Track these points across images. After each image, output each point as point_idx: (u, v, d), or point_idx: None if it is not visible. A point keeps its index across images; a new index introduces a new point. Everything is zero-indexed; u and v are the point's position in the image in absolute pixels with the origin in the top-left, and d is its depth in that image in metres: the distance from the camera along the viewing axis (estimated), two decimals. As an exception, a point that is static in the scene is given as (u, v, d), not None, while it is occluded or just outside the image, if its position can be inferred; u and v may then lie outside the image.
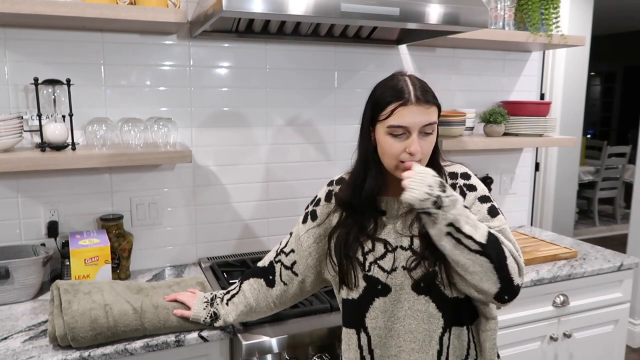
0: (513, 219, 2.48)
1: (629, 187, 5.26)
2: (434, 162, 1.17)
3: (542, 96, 2.66)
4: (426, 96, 1.08)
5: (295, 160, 2.02)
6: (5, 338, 1.30)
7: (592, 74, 7.10)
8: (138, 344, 1.28)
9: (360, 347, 1.16)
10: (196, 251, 1.92)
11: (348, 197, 1.18)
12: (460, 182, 1.17)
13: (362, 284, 1.15)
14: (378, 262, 1.14)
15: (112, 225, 1.70)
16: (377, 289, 1.14)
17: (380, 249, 1.15)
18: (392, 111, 1.07)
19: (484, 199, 1.15)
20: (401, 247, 1.14)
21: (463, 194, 1.15)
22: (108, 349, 1.25)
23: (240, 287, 1.33)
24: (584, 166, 5.70)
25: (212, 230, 1.93)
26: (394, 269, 1.12)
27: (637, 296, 3.11)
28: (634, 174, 3.36)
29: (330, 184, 1.27)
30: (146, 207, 1.83)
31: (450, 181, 1.17)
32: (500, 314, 1.69)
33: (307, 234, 1.25)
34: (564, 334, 1.88)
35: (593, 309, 1.93)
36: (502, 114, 2.13)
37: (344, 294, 1.20)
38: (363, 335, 1.16)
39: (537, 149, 2.75)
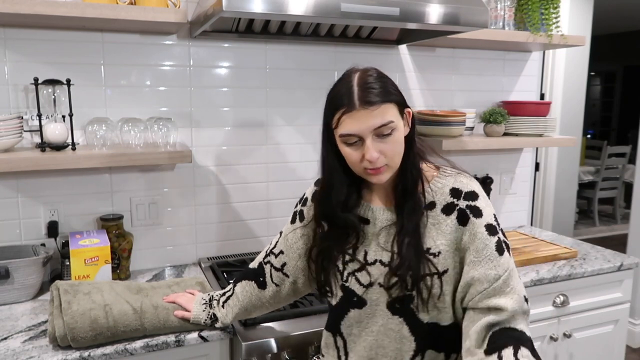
0: (513, 219, 2.48)
1: (629, 187, 5.26)
2: (411, 164, 1.06)
3: (542, 96, 2.66)
4: (374, 97, 0.97)
5: (295, 160, 2.02)
6: (5, 338, 1.30)
7: (592, 74, 7.10)
8: (138, 344, 1.28)
9: (337, 347, 1.15)
10: (196, 251, 1.92)
11: (320, 211, 1.12)
12: (463, 203, 1.03)
13: (339, 293, 1.12)
14: (356, 274, 1.08)
15: (112, 225, 1.70)
16: (352, 300, 1.09)
17: (359, 260, 1.08)
18: (339, 120, 0.99)
19: (492, 229, 1.02)
20: (380, 261, 1.06)
21: (465, 218, 1.02)
22: (108, 349, 1.25)
23: (233, 289, 1.32)
24: (584, 166, 5.70)
25: (212, 230, 1.93)
26: (370, 284, 1.06)
27: (637, 296, 3.11)
28: (634, 174, 3.36)
29: (317, 183, 1.20)
30: (146, 207, 1.83)
31: (449, 199, 1.04)
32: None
33: (295, 234, 1.21)
34: (564, 334, 1.88)
35: (593, 309, 1.93)
36: (502, 114, 2.13)
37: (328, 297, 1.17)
38: (339, 339, 1.14)
39: (537, 149, 2.75)
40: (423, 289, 1.01)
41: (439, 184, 1.06)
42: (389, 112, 0.98)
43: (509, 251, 1.02)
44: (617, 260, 1.95)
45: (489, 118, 2.14)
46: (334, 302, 1.14)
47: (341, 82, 1.02)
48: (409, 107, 1.05)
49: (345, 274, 1.09)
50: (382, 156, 0.99)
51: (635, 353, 3.13)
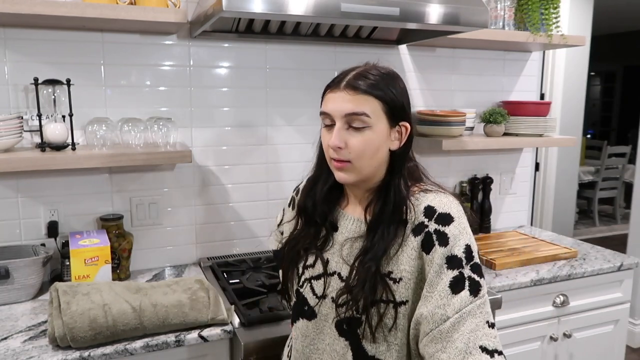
0: (513, 219, 2.48)
1: (629, 187, 5.26)
2: (395, 187, 0.95)
3: (542, 96, 2.66)
4: (359, 84, 0.92)
5: (295, 160, 2.02)
6: (5, 338, 1.30)
7: (592, 74, 7.09)
8: (138, 343, 1.28)
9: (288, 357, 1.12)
10: (196, 251, 1.92)
11: (302, 202, 1.07)
12: (432, 226, 0.90)
13: (293, 297, 1.07)
14: (312, 281, 1.02)
15: (112, 225, 1.70)
16: (303, 309, 1.03)
17: (318, 268, 1.01)
18: (323, 98, 0.97)
19: (454, 262, 0.87)
20: (339, 275, 0.98)
21: (429, 244, 0.89)
22: (108, 349, 1.25)
23: None
24: (584, 166, 5.70)
25: (212, 230, 1.93)
26: (323, 296, 0.99)
27: (637, 296, 3.11)
28: (634, 174, 3.36)
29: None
30: (146, 207, 1.82)
31: (421, 218, 0.91)
32: (500, 314, 1.69)
33: (285, 226, 1.18)
34: (564, 334, 1.88)
35: (593, 309, 1.93)
36: (502, 114, 2.13)
37: None
38: (287, 349, 1.10)
39: (537, 149, 2.75)
40: (374, 315, 0.91)
41: (417, 201, 0.94)
42: (367, 105, 0.92)
43: (474, 292, 0.86)
44: (617, 260, 1.95)
45: (489, 118, 2.14)
46: (289, 307, 1.12)
47: (352, 66, 0.98)
48: (408, 123, 0.97)
49: (303, 278, 1.04)
50: (346, 150, 0.93)
51: (635, 353, 3.13)
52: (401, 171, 0.97)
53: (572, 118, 4.17)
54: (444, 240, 0.89)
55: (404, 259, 0.92)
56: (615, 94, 9.46)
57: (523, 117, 2.17)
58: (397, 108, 0.94)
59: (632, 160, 5.39)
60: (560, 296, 1.85)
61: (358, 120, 0.92)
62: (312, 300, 1.01)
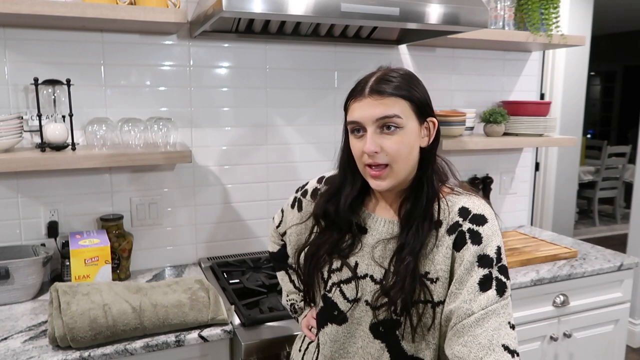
0: (513, 219, 2.48)
1: (629, 187, 5.26)
2: (428, 181, 0.96)
3: (542, 96, 2.66)
4: (383, 87, 0.92)
5: (295, 160, 2.02)
6: (5, 338, 1.30)
7: (592, 74, 7.09)
8: (138, 344, 1.28)
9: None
10: (196, 251, 1.92)
11: (322, 209, 1.04)
12: (467, 225, 0.92)
13: (320, 302, 1.05)
14: (342, 285, 1.00)
15: (112, 225, 1.70)
16: (332, 314, 1.01)
17: (347, 271, 1.00)
18: (348, 108, 0.97)
19: (485, 261, 0.89)
20: (371, 277, 0.97)
21: (462, 243, 0.91)
22: (108, 349, 1.25)
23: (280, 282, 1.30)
24: (584, 166, 5.70)
25: (212, 230, 1.93)
26: (356, 300, 0.98)
27: (637, 296, 3.10)
28: (634, 173, 3.36)
29: (320, 180, 1.15)
30: (146, 207, 1.82)
31: (456, 218, 0.93)
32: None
33: (292, 228, 1.17)
34: (564, 334, 1.88)
35: (593, 308, 1.93)
36: (502, 114, 2.13)
37: None
38: (301, 354, 1.09)
39: (537, 149, 2.75)
40: (413, 315, 0.92)
41: (450, 202, 0.96)
42: (396, 106, 0.92)
43: (500, 292, 0.87)
44: (617, 260, 1.95)
45: (489, 118, 2.14)
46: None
47: (368, 73, 0.98)
48: (435, 118, 0.97)
49: (330, 283, 1.02)
50: (383, 153, 0.92)
51: (635, 353, 3.13)
52: (432, 167, 0.98)
53: (572, 118, 4.17)
54: (477, 239, 0.90)
55: (440, 259, 0.93)
56: (615, 94, 9.45)
57: (523, 117, 2.17)
58: (423, 105, 0.96)
59: (632, 160, 5.39)
60: (561, 296, 1.85)
61: (391, 123, 0.92)
62: (343, 304, 1.00)
